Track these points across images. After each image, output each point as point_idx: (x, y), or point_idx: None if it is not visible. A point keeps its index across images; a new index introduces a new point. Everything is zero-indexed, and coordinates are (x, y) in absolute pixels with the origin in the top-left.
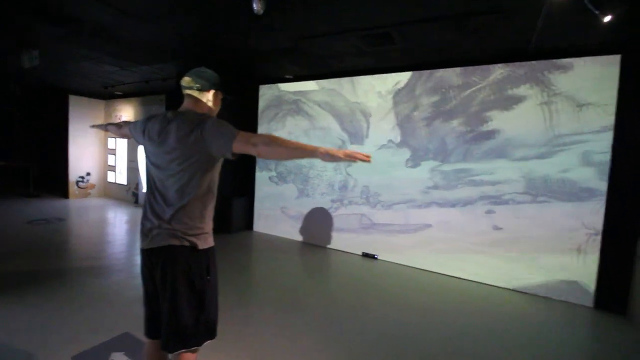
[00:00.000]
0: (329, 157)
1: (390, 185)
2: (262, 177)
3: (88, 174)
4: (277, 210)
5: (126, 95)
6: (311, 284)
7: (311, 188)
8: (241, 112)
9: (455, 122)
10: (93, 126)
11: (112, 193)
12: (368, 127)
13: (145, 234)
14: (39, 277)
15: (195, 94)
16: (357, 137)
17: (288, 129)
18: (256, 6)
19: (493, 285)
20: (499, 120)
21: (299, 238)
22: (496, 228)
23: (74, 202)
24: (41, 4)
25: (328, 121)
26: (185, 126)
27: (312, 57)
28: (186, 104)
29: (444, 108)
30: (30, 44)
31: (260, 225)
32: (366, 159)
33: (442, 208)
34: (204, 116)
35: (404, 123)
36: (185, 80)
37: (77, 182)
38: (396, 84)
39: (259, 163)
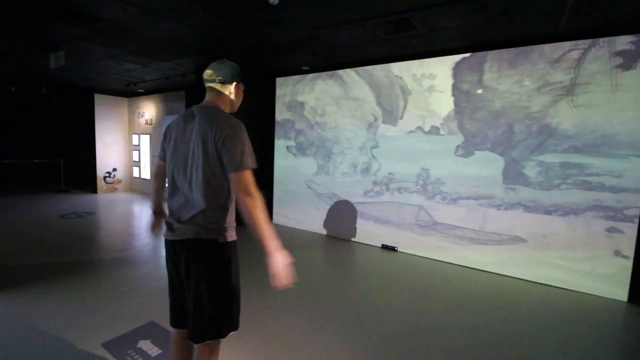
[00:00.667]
0: (274, 267)
1: (446, 175)
2: (279, 146)
3: (114, 169)
4: (301, 185)
5: (148, 93)
6: (335, 279)
7: (332, 165)
8: (257, 105)
9: (539, 101)
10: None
11: (138, 187)
12: (405, 107)
13: (169, 225)
14: (71, 268)
15: (217, 86)
16: (391, 115)
17: (316, 95)
18: None
19: (522, 280)
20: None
21: (324, 231)
22: (619, 255)
23: (102, 197)
24: (64, 5)
25: (364, 91)
26: (209, 124)
27: (330, 47)
28: (209, 97)
29: (512, 87)
30: (56, 45)
31: (280, 217)
32: (278, 287)
33: (530, 214)
34: (227, 120)
35: (458, 103)
36: (207, 73)
37: (105, 177)
38: (451, 64)
39: (278, 131)
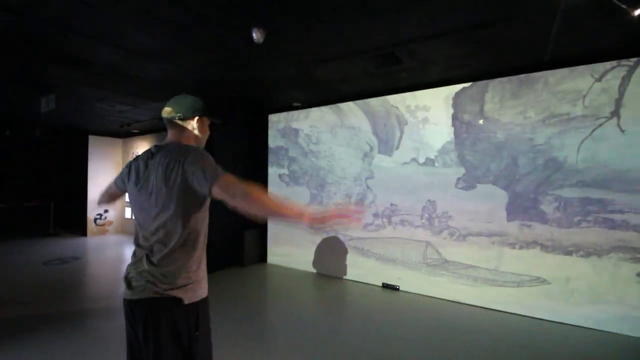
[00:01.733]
0: (318, 222)
1: (453, 208)
2: (271, 174)
3: (106, 210)
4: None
5: (142, 133)
6: (332, 325)
7: (326, 195)
8: (250, 142)
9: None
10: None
11: (130, 229)
12: (401, 137)
13: (128, 282)
14: (50, 320)
15: (178, 123)
16: (387, 145)
17: (310, 122)
18: (256, 35)
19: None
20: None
21: (321, 270)
22: None
23: (92, 240)
24: (55, 49)
25: (359, 119)
26: (166, 161)
27: (321, 83)
28: (170, 136)
29: (514, 118)
30: (47, 88)
31: (275, 256)
32: (357, 221)
33: (549, 254)
34: (188, 148)
35: (459, 134)
36: (166, 111)
37: (95, 219)
38: (444, 95)
39: (270, 158)
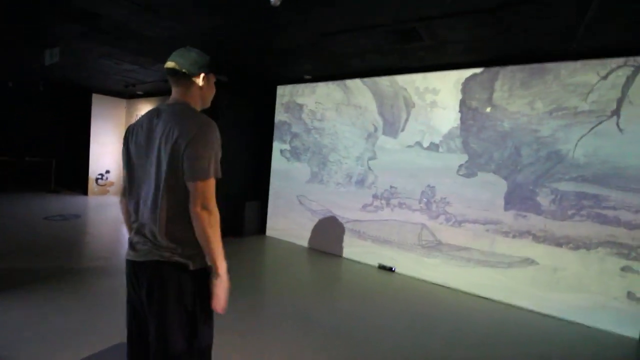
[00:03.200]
0: (217, 280)
1: (451, 194)
2: (273, 149)
3: (107, 171)
4: (292, 197)
5: (147, 95)
6: (327, 299)
7: (327, 174)
8: (256, 113)
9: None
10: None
11: None
12: (407, 120)
13: (131, 244)
14: (46, 275)
15: (182, 79)
16: (392, 127)
17: (316, 98)
18: None
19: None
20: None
21: (317, 246)
22: (632, 297)
23: (93, 199)
24: (61, 2)
25: (366, 99)
26: (172, 125)
27: (333, 55)
28: (175, 94)
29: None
30: (51, 41)
31: (274, 229)
32: (216, 309)
33: (540, 244)
34: (197, 119)
35: (465, 121)
36: (169, 65)
37: (97, 179)
38: (456, 80)
39: (275, 133)
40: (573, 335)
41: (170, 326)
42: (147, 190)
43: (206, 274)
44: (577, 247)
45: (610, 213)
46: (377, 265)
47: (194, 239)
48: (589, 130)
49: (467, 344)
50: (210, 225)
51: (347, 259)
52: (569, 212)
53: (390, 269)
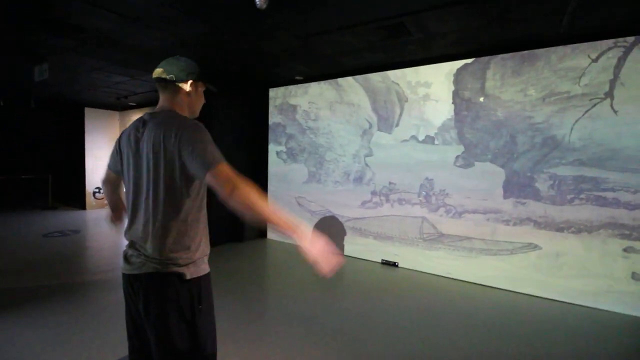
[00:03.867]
0: (306, 245)
1: (450, 186)
2: (269, 151)
3: None
4: (290, 199)
5: (140, 106)
6: (331, 298)
7: (325, 173)
8: (250, 117)
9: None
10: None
11: None
12: (401, 115)
13: (125, 257)
14: (48, 292)
15: (170, 87)
16: (386, 123)
17: (309, 98)
18: (259, 1)
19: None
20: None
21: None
22: (638, 278)
23: (91, 213)
24: (45, 14)
25: (359, 96)
26: (160, 136)
27: (322, 55)
28: (162, 102)
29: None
30: (40, 57)
31: (275, 232)
32: (328, 274)
33: (541, 230)
34: (183, 121)
35: (459, 112)
36: (157, 72)
37: (94, 193)
38: (448, 71)
39: (270, 135)
40: (579, 317)
41: (170, 338)
42: (139, 202)
43: (204, 282)
44: (579, 231)
45: (609, 195)
46: (380, 261)
47: (187, 248)
48: (584, 114)
49: (474, 334)
50: (248, 197)
51: (349, 256)
52: (568, 197)
53: (393, 264)
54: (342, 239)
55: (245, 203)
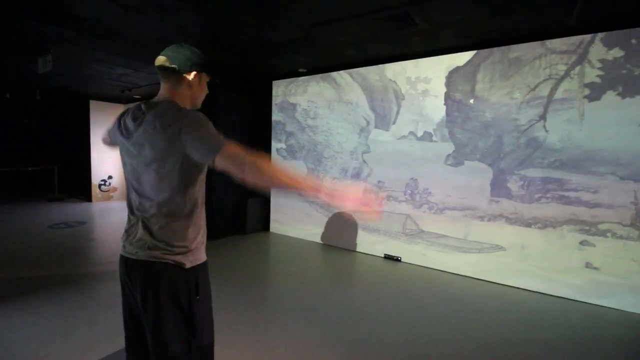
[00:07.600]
0: (334, 199)
1: (434, 185)
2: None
3: (110, 177)
4: (291, 194)
5: (144, 98)
6: (332, 291)
7: (323, 170)
8: (253, 110)
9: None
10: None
11: None
12: (398, 112)
13: (124, 242)
14: (54, 282)
15: (172, 76)
16: (384, 120)
17: (308, 97)
18: None
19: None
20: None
21: (320, 240)
22: (590, 267)
23: (97, 205)
24: (44, 3)
25: (357, 95)
26: (157, 122)
27: (326, 47)
28: (162, 91)
29: (506, 97)
30: (44, 48)
31: (277, 224)
32: (375, 213)
33: (511, 226)
34: (183, 111)
35: (450, 112)
36: (160, 60)
37: (100, 185)
38: (446, 67)
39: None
40: (536, 304)
41: (167, 328)
42: (138, 191)
43: (202, 271)
44: (544, 227)
45: (572, 194)
46: (382, 255)
47: (186, 236)
48: (563, 117)
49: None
50: (259, 169)
51: (350, 250)
52: (536, 196)
53: (396, 259)
54: (345, 231)
55: (261, 176)
